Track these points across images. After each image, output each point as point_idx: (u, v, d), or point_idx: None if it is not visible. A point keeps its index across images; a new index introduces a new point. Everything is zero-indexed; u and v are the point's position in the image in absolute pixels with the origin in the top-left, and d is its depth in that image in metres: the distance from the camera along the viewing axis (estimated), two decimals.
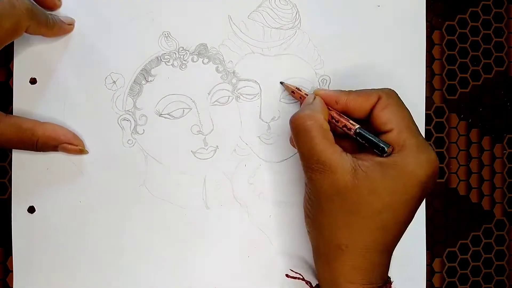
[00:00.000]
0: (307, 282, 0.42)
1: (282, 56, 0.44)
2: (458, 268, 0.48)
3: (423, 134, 0.46)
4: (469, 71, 0.48)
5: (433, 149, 0.37)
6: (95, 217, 0.42)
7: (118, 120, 0.42)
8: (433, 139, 0.47)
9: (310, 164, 0.36)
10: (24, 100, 0.41)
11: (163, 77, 0.42)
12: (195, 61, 0.43)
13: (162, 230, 0.43)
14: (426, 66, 0.46)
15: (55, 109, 0.41)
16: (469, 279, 0.48)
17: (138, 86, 0.42)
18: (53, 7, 0.40)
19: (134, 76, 0.42)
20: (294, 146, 0.40)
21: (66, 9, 0.41)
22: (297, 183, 0.44)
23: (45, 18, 0.38)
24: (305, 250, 0.44)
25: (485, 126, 0.48)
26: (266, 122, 0.44)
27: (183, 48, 0.43)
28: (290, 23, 0.44)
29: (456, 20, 0.48)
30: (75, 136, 0.41)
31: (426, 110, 0.46)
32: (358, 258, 0.36)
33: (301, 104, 0.41)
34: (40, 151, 0.40)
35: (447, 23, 0.47)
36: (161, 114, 0.42)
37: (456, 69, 0.47)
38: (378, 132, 0.38)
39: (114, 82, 0.42)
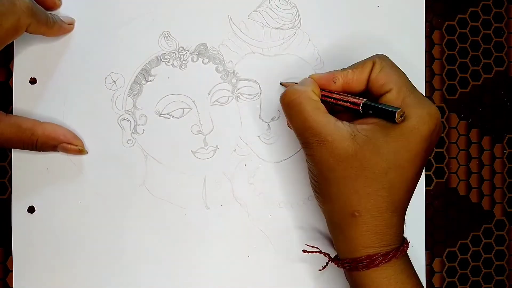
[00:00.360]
0: (325, 254, 0.42)
1: (282, 56, 0.44)
2: (458, 268, 0.48)
3: None
4: (469, 71, 0.48)
5: (434, 103, 0.36)
6: (95, 217, 0.42)
7: (118, 120, 0.42)
8: None
9: (306, 139, 0.36)
10: (24, 100, 0.41)
11: (163, 77, 0.42)
12: (195, 61, 0.43)
13: (162, 230, 0.43)
14: (426, 66, 0.46)
15: (55, 109, 0.41)
16: (469, 279, 0.48)
17: (138, 86, 0.42)
18: (53, 6, 0.40)
19: (134, 76, 0.42)
20: (290, 127, 0.39)
21: (66, 9, 0.41)
22: (297, 183, 0.44)
23: (45, 17, 0.38)
24: (305, 253, 0.44)
25: (485, 126, 0.48)
26: (266, 122, 0.44)
27: (183, 48, 0.43)
28: (290, 23, 0.44)
29: (456, 20, 0.48)
30: (75, 136, 0.41)
31: None
32: (372, 221, 0.36)
33: None
34: (39, 150, 0.40)
35: (447, 23, 0.47)
36: (161, 114, 0.42)
37: (456, 69, 0.48)
38: (378, 96, 0.38)
39: (114, 82, 0.42)
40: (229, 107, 0.43)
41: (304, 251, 0.43)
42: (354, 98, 0.38)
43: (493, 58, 0.48)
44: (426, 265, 0.46)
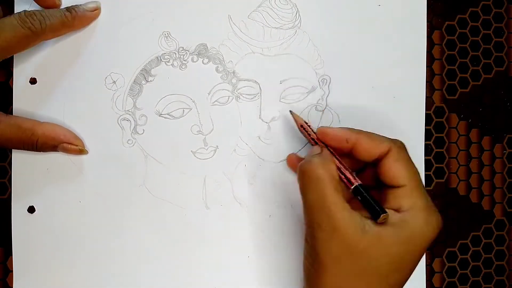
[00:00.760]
0: None
1: (282, 56, 0.44)
2: (458, 268, 0.48)
3: (423, 134, 0.46)
4: (469, 71, 0.48)
5: (437, 211, 0.36)
6: (95, 217, 0.42)
7: (118, 120, 0.42)
8: (433, 139, 0.47)
9: (319, 219, 0.34)
10: (24, 100, 0.41)
11: (163, 77, 0.42)
12: (195, 61, 0.43)
13: (162, 230, 0.43)
14: (426, 66, 0.46)
15: (55, 109, 0.41)
16: (469, 279, 0.48)
17: (138, 86, 0.42)
18: (53, 6, 0.40)
19: (134, 76, 0.42)
20: (301, 198, 0.37)
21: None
22: (297, 183, 0.44)
23: (58, 19, 0.38)
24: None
25: (485, 126, 0.48)
26: (266, 122, 0.44)
27: (183, 48, 0.43)
28: (290, 23, 0.44)
29: (456, 20, 0.48)
30: (75, 136, 0.41)
31: (426, 110, 0.46)
32: None
33: (306, 137, 0.41)
34: (39, 151, 0.40)
35: (447, 23, 0.47)
36: (161, 114, 0.42)
37: (456, 69, 0.47)
38: (387, 185, 0.37)
39: (114, 82, 0.42)
40: (229, 107, 0.43)
41: None
42: (351, 176, 0.36)
43: (493, 58, 0.48)
44: (426, 265, 0.46)
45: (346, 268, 0.34)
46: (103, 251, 0.42)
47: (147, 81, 0.42)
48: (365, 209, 0.36)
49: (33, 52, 0.41)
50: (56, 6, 0.40)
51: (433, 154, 0.47)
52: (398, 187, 0.36)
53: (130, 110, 0.42)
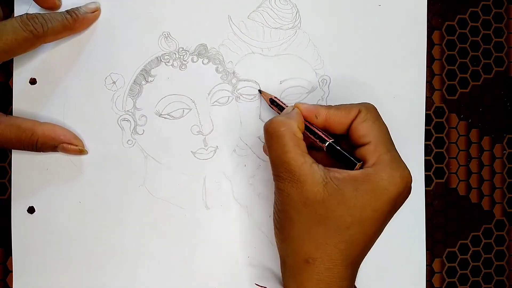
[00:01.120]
0: None
1: (282, 56, 0.44)
2: (458, 268, 0.48)
3: (423, 134, 0.46)
4: (469, 71, 0.48)
5: (407, 167, 0.36)
6: (94, 217, 0.42)
7: (118, 120, 0.42)
8: (433, 139, 0.47)
9: (279, 172, 0.36)
10: (24, 100, 0.41)
11: (163, 77, 0.42)
12: (195, 62, 0.43)
13: (162, 230, 0.43)
14: (426, 66, 0.46)
15: (55, 109, 0.41)
16: (469, 279, 0.48)
17: (138, 87, 0.42)
18: (53, 7, 0.40)
19: (134, 76, 0.42)
20: (266, 154, 0.39)
21: (65, 9, 0.41)
22: None
23: (59, 22, 0.38)
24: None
25: (485, 126, 0.48)
26: None
27: (183, 48, 0.43)
28: (290, 23, 0.44)
29: (456, 20, 0.48)
30: (75, 136, 0.41)
31: (426, 110, 0.46)
32: (325, 272, 0.35)
33: (277, 113, 0.41)
34: (39, 151, 0.40)
35: (447, 23, 0.47)
36: (161, 115, 0.42)
37: (456, 69, 0.47)
38: (356, 145, 0.37)
39: (114, 82, 0.42)
40: (229, 107, 0.43)
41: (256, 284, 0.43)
42: (324, 134, 0.38)
43: (493, 58, 0.48)
44: (426, 265, 0.46)
45: (306, 217, 0.35)
46: (103, 251, 0.42)
47: (147, 82, 0.42)
48: (341, 165, 0.37)
49: (33, 52, 0.41)
50: (56, 6, 0.40)
51: (433, 154, 0.47)
52: (365, 144, 0.37)
53: (130, 111, 0.42)
